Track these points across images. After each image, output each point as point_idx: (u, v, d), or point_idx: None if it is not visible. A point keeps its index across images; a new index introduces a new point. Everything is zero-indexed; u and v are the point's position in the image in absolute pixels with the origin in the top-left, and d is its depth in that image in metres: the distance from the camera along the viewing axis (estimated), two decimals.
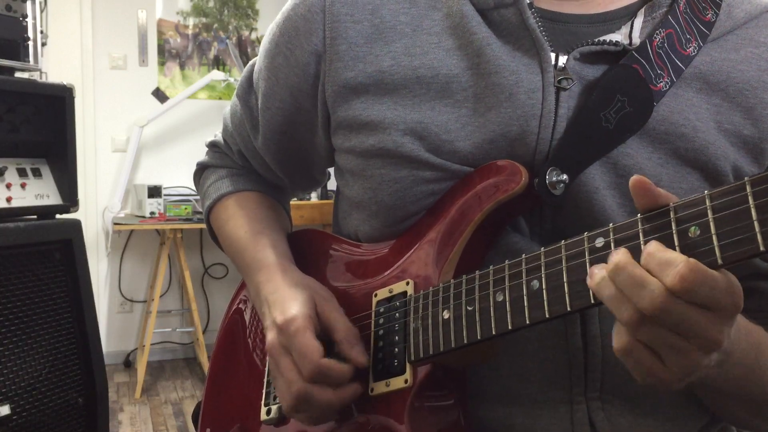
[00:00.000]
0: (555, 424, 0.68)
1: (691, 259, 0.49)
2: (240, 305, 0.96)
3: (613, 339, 0.54)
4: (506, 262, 0.62)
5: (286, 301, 0.74)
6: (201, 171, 1.03)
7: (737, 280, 0.51)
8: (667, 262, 0.49)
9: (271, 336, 0.74)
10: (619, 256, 0.52)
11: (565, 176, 0.66)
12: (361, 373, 0.72)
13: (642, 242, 0.52)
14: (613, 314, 0.53)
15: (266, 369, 0.85)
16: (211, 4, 4.39)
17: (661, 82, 0.69)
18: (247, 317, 0.94)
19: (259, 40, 4.50)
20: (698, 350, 0.51)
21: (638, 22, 0.72)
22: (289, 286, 0.77)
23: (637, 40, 0.71)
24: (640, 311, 0.50)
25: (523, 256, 0.60)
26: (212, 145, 1.01)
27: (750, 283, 0.74)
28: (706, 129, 0.69)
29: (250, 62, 0.90)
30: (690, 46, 0.71)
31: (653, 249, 0.50)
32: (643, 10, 0.73)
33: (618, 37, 0.71)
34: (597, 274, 0.53)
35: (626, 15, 0.73)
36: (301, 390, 0.70)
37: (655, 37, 0.70)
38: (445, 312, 0.66)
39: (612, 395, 0.69)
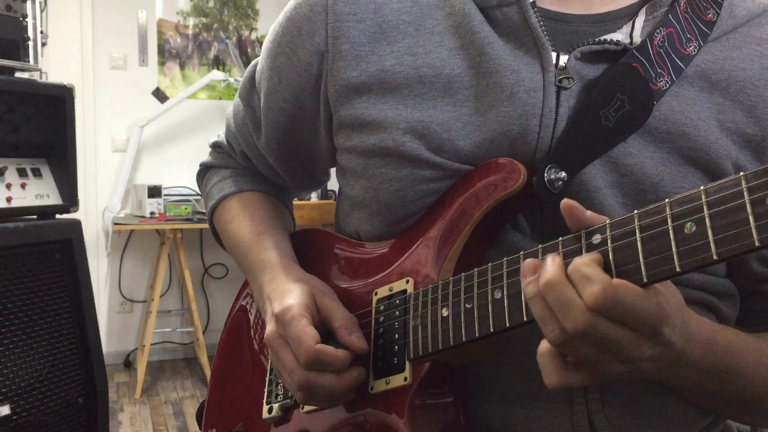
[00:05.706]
0: (555, 424, 0.68)
1: (609, 279, 0.51)
2: (244, 303, 0.96)
3: (543, 375, 0.56)
4: (504, 259, 0.62)
5: (285, 293, 0.75)
6: (204, 171, 1.03)
7: (661, 298, 0.53)
8: (586, 278, 0.52)
9: (269, 327, 0.74)
10: (550, 273, 0.54)
11: (563, 174, 0.66)
12: (364, 359, 0.72)
13: (638, 238, 0.52)
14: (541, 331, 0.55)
15: (269, 367, 0.86)
16: (211, 4, 4.39)
17: (661, 80, 0.69)
18: (251, 315, 0.94)
19: (259, 40, 4.51)
20: (617, 362, 0.54)
21: (639, 21, 0.72)
22: (290, 281, 0.78)
23: (638, 39, 0.70)
24: (564, 330, 0.53)
25: (521, 253, 0.60)
26: (215, 146, 1.02)
27: (751, 286, 0.74)
28: (707, 128, 0.69)
29: (253, 62, 0.90)
30: (690, 46, 0.71)
31: (579, 262, 0.53)
32: (644, 9, 0.73)
33: (619, 36, 0.71)
34: (530, 290, 0.55)
35: (627, 15, 0.73)
36: (302, 379, 0.70)
37: (656, 36, 0.70)
38: (444, 310, 0.66)
39: (612, 396, 0.69)
